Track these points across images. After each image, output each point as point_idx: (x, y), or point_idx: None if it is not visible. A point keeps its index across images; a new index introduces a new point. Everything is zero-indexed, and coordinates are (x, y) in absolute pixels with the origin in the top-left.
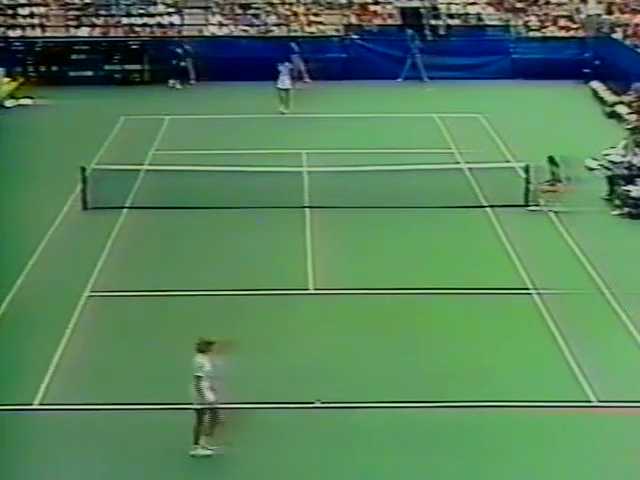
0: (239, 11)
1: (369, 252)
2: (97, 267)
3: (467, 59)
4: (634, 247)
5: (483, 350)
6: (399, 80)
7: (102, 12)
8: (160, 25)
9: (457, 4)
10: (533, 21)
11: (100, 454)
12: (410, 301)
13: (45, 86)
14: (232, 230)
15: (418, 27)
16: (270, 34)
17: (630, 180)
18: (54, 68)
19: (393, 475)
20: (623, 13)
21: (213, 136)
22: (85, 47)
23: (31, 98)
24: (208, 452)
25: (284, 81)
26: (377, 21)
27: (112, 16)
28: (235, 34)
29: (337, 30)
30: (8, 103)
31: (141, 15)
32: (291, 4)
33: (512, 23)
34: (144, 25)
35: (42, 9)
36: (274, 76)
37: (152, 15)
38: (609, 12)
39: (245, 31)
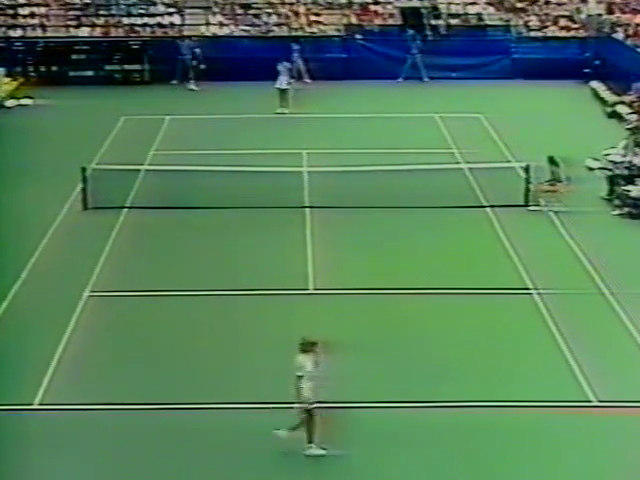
0: (240, 11)
1: (369, 252)
2: (97, 267)
3: (468, 59)
4: (634, 247)
5: (483, 350)
6: (399, 80)
7: (102, 12)
8: (160, 25)
9: (457, 4)
10: (534, 21)
11: (99, 454)
12: (410, 301)
13: (45, 86)
14: (232, 230)
15: (419, 27)
16: (271, 34)
17: (630, 180)
18: (54, 68)
19: (392, 475)
20: (624, 13)
21: (213, 136)
22: (85, 47)
23: (31, 98)
24: (322, 452)
25: (282, 81)
26: (378, 21)
27: (112, 16)
28: (236, 34)
29: (338, 30)
30: (8, 103)
31: (141, 15)
32: (292, 4)
33: (513, 23)
34: (144, 25)
35: (42, 9)
36: (274, 76)
37: (152, 15)
38: (610, 12)
39: (246, 31)
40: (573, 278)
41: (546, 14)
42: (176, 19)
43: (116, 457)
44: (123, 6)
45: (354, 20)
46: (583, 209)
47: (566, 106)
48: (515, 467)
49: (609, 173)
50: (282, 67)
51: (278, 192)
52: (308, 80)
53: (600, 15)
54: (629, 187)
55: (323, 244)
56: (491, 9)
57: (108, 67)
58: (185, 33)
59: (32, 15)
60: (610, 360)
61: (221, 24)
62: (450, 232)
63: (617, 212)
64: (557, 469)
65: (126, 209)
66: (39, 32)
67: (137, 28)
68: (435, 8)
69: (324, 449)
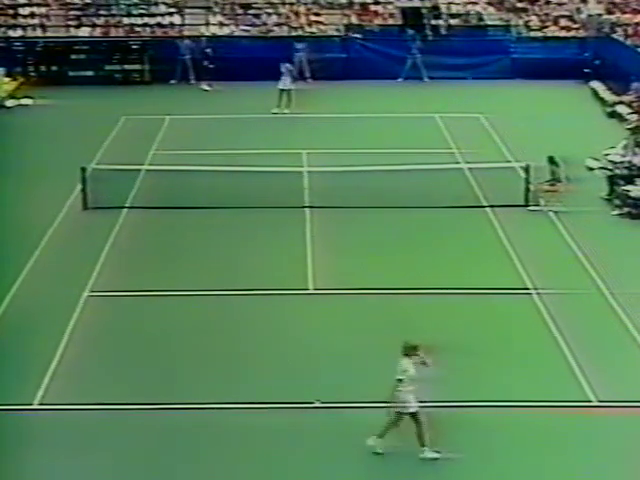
0: (240, 11)
1: (369, 252)
2: (97, 267)
3: (468, 59)
4: (634, 247)
5: (483, 350)
6: (399, 80)
7: (102, 12)
8: (161, 25)
9: (458, 4)
10: (534, 21)
11: (99, 454)
12: (410, 301)
13: (45, 86)
14: (232, 230)
15: (419, 27)
16: (271, 34)
17: (630, 180)
18: (54, 68)
19: (391, 474)
20: (624, 13)
21: (213, 136)
22: (85, 47)
23: (31, 98)
24: (436, 455)
25: (285, 82)
26: (378, 21)
27: (112, 16)
28: (236, 34)
29: (338, 30)
30: (8, 103)
31: (142, 15)
32: (292, 4)
33: (513, 23)
34: (145, 25)
35: (43, 9)
36: (275, 76)
37: (153, 15)
38: (609, 12)
39: (246, 31)
40: (573, 278)
41: (546, 14)
42: (176, 19)
43: (116, 457)
44: (123, 6)
45: (354, 20)
46: (583, 209)
47: (566, 106)
48: (514, 466)
49: (609, 173)
50: (284, 68)
51: (278, 192)
52: (309, 80)
53: (600, 15)
54: (629, 187)
55: (323, 244)
56: (491, 9)
57: (108, 67)
58: (185, 33)
59: (32, 15)
60: (610, 360)
61: (221, 24)
62: (450, 232)
63: (617, 212)
64: (557, 469)
65: (126, 209)
66: (39, 32)
67: (137, 28)
68: (435, 8)
69: (437, 452)
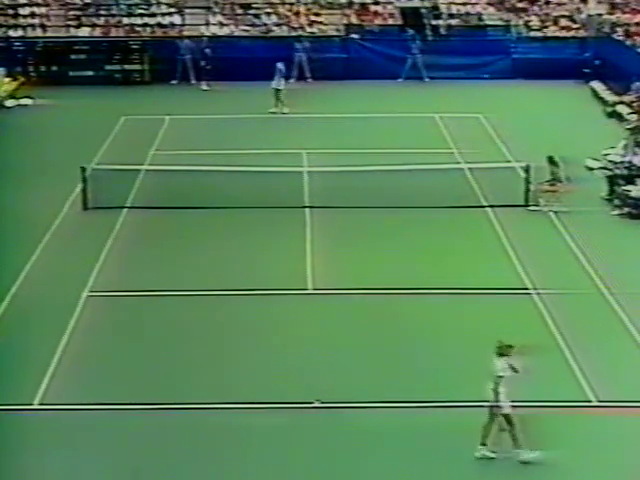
0: (240, 11)
1: (368, 252)
2: (97, 267)
3: (468, 59)
4: (634, 247)
5: (483, 350)
6: (400, 80)
7: (102, 12)
8: (160, 25)
9: (458, 4)
10: (534, 21)
11: (99, 454)
12: (410, 301)
13: (45, 86)
14: (232, 230)
15: (419, 27)
16: (270, 34)
17: (630, 180)
18: (54, 68)
19: (393, 475)
20: (624, 13)
21: (213, 136)
22: (85, 47)
23: (31, 98)
24: (492, 455)
25: (277, 81)
26: (378, 21)
27: (112, 16)
28: (236, 34)
29: (338, 30)
30: (8, 103)
31: (142, 15)
32: (292, 4)
33: (513, 23)
34: (145, 25)
35: (43, 9)
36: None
37: (153, 15)
38: (610, 12)
39: (246, 31)
40: (573, 278)
41: (546, 14)
42: (176, 19)
43: (116, 457)
44: (123, 6)
45: (354, 20)
46: (583, 209)
47: (566, 106)
48: (514, 466)
49: (609, 173)
50: (277, 67)
51: (278, 192)
52: (310, 80)
53: (600, 15)
54: (629, 187)
55: (323, 244)
56: (491, 9)
57: (108, 67)
58: (185, 33)
59: (32, 15)
60: (610, 360)
61: (221, 24)
62: (450, 232)
63: (617, 212)
64: (556, 468)
65: (126, 209)
66: (39, 32)
67: (137, 28)
68: (435, 8)
69: (493, 452)
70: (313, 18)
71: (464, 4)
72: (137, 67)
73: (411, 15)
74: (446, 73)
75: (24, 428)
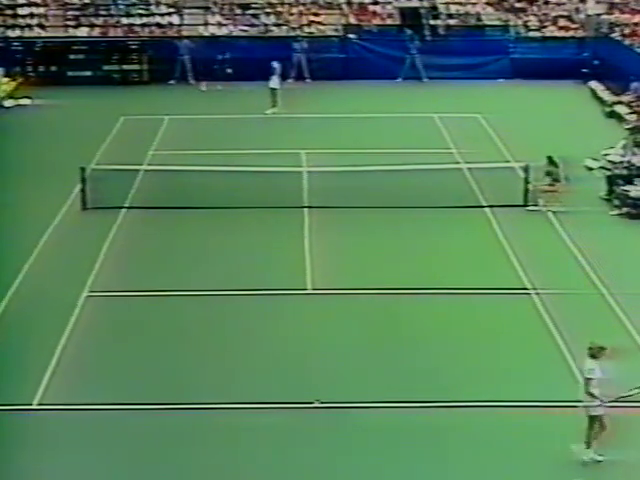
0: (238, 11)
1: (367, 252)
2: (96, 267)
3: (466, 59)
4: (633, 247)
5: (483, 350)
6: (398, 80)
7: (101, 12)
8: (159, 25)
9: (456, 4)
10: (532, 21)
11: (98, 454)
12: (409, 301)
13: (44, 86)
14: (231, 230)
15: (417, 27)
16: (269, 34)
17: (629, 180)
18: (53, 68)
19: (391, 474)
20: (622, 13)
21: (212, 136)
22: (84, 47)
23: (30, 98)
24: (599, 457)
25: (274, 81)
26: (376, 21)
27: (111, 16)
28: (234, 34)
29: (336, 30)
30: (7, 103)
31: (140, 15)
32: (290, 4)
33: (511, 23)
34: (143, 25)
35: (41, 9)
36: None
37: (151, 15)
38: (608, 12)
39: (244, 31)
40: (572, 278)
41: (545, 14)
42: (175, 19)
43: (115, 457)
44: (122, 6)
45: (353, 20)
46: (582, 209)
47: (565, 106)
48: (514, 467)
49: (608, 173)
50: (273, 67)
51: (277, 192)
52: (308, 80)
53: (599, 15)
54: (628, 187)
55: (322, 244)
56: (490, 9)
57: (107, 67)
58: (184, 33)
59: (31, 15)
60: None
61: (220, 24)
62: (449, 232)
63: (616, 212)
64: (558, 468)
65: (125, 209)
66: (38, 32)
67: (136, 28)
68: (434, 8)
69: (601, 455)
70: (312, 18)
71: (463, 4)
72: (136, 67)
73: (410, 15)
74: (445, 73)
75: (23, 428)
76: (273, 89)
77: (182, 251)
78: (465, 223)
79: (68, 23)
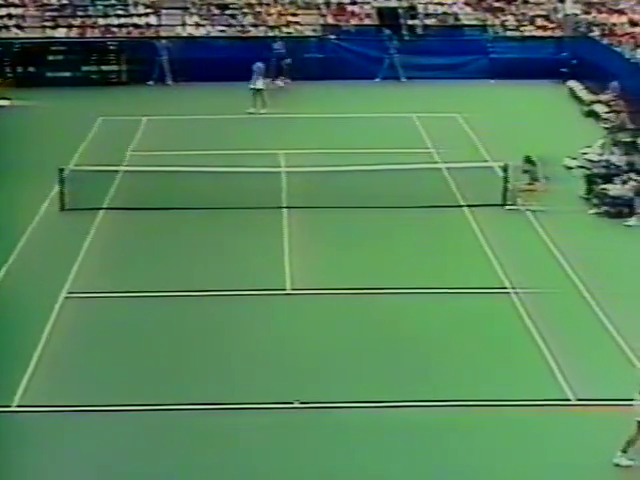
0: (216, 12)
1: (346, 252)
2: (74, 268)
3: (445, 59)
4: (611, 246)
5: (463, 349)
6: (377, 80)
7: (79, 13)
8: (137, 26)
9: (434, 4)
10: (510, 21)
11: (77, 456)
12: (388, 301)
13: (22, 87)
14: (210, 231)
15: (395, 27)
16: (247, 34)
17: (608, 179)
18: (31, 69)
19: (372, 473)
20: (600, 12)
21: (191, 137)
22: (62, 48)
23: (8, 99)
24: (630, 462)
25: (257, 81)
26: (354, 21)
27: (89, 17)
28: (212, 34)
29: (314, 30)
30: None
31: (118, 16)
32: (268, 4)
33: (489, 23)
34: (121, 26)
35: (19, 10)
36: (251, 76)
37: (129, 15)
38: (586, 11)
39: (222, 31)
40: (551, 277)
41: (523, 14)
42: (152, 20)
43: (94, 459)
44: (100, 7)
45: (331, 20)
46: (561, 208)
47: (543, 105)
48: (493, 465)
49: (587, 172)
50: (256, 67)
51: (256, 193)
52: (287, 80)
53: (577, 15)
54: (607, 186)
55: (301, 244)
56: (468, 9)
57: (85, 68)
58: (162, 34)
59: (9, 16)
60: (588, 359)
61: (197, 25)
62: (428, 232)
63: (595, 211)
64: (536, 467)
65: (103, 210)
66: (16, 33)
67: (114, 29)
68: (412, 8)
69: (632, 460)
70: (290, 18)
71: (441, 4)
72: (114, 68)
73: (388, 15)
74: (423, 73)
75: (2, 429)
76: (258, 89)
77: (160, 252)
78: (444, 223)
79: (46, 24)
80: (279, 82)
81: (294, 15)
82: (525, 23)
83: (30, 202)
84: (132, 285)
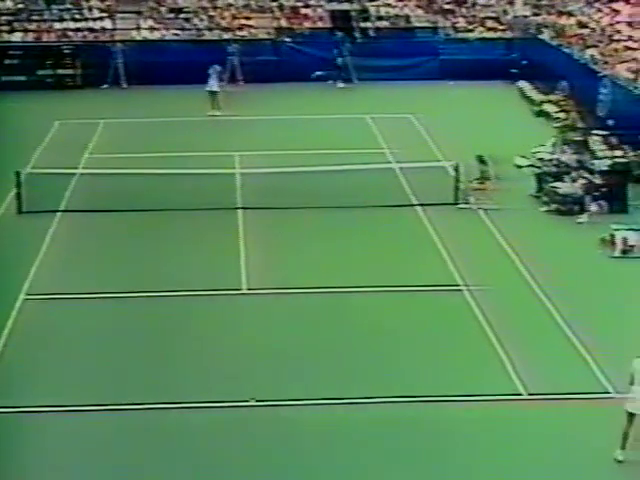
0: (170, 15)
1: (302, 252)
2: (33, 270)
3: (397, 60)
4: (562, 242)
5: (416, 346)
6: (330, 82)
7: (34, 17)
8: (92, 30)
9: (386, 6)
10: (461, 22)
11: (36, 458)
12: (343, 299)
13: None
14: (166, 232)
15: (348, 29)
16: (201, 38)
17: (558, 177)
18: None
19: (327, 471)
20: (549, 14)
21: (147, 139)
22: (18, 52)
23: None
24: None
25: (212, 84)
26: (308, 24)
27: (44, 21)
28: (167, 38)
29: (268, 33)
30: None
31: (73, 20)
32: (222, 8)
33: (440, 25)
34: (76, 30)
35: None
36: (206, 79)
37: (84, 19)
38: (536, 13)
39: (177, 35)
40: (502, 274)
41: (473, 16)
42: (107, 24)
43: (55, 462)
44: (55, 11)
45: (284, 23)
46: (512, 206)
47: (494, 106)
48: (446, 460)
49: (537, 171)
50: (212, 70)
51: (211, 194)
52: (241, 82)
53: (526, 16)
54: (557, 184)
55: (256, 245)
56: (419, 11)
57: (41, 72)
58: (116, 37)
59: None
60: (540, 354)
61: (152, 28)
62: (381, 231)
63: (545, 209)
64: (489, 461)
65: (60, 213)
66: None
67: (69, 33)
68: (364, 11)
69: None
70: (244, 22)
71: (392, 6)
72: (69, 72)
73: (340, 18)
74: (375, 74)
75: None
76: (213, 92)
77: (117, 254)
78: (397, 222)
79: (2, 28)
80: (240, 83)
81: (248, 18)
82: (475, 25)
83: None
84: (90, 286)
